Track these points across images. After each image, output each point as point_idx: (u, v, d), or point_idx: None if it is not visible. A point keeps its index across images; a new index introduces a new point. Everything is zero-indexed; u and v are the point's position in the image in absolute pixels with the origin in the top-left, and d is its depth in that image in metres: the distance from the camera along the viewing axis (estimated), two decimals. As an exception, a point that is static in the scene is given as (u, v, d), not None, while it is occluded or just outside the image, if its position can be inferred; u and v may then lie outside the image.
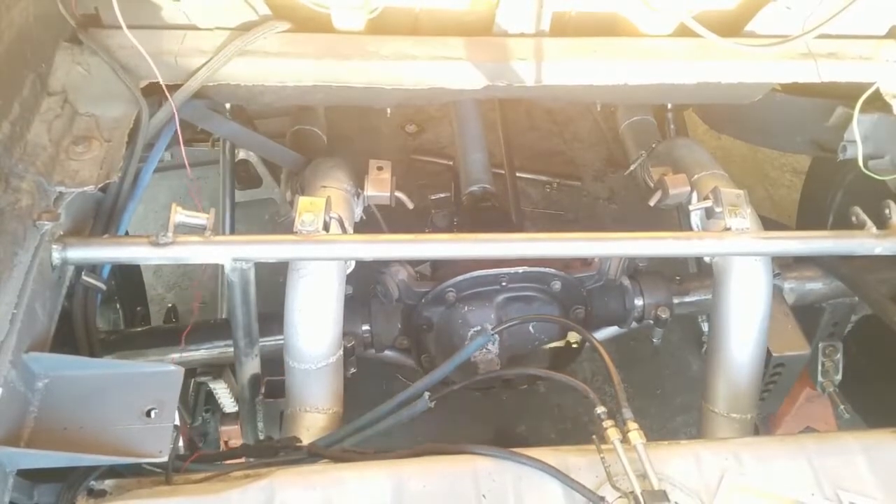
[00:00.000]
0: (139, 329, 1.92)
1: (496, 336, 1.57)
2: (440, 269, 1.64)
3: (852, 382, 1.87)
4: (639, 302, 1.62)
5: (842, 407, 1.85)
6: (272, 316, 1.41)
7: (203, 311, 2.76)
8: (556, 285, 1.57)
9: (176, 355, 1.54)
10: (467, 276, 1.54)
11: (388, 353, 1.66)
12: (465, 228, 1.83)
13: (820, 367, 1.83)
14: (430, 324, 1.60)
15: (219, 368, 1.68)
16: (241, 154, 2.58)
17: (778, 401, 1.73)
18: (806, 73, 1.47)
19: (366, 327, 1.57)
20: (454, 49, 1.42)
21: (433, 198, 1.94)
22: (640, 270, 1.65)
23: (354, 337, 1.54)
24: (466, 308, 1.58)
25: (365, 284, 1.60)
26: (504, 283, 1.56)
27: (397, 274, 1.58)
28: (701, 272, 1.72)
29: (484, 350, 1.59)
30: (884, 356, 1.86)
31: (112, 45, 1.32)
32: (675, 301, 1.63)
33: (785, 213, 2.90)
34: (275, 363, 1.42)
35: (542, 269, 1.55)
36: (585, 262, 1.64)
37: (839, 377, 1.84)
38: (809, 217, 2.30)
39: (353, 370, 1.54)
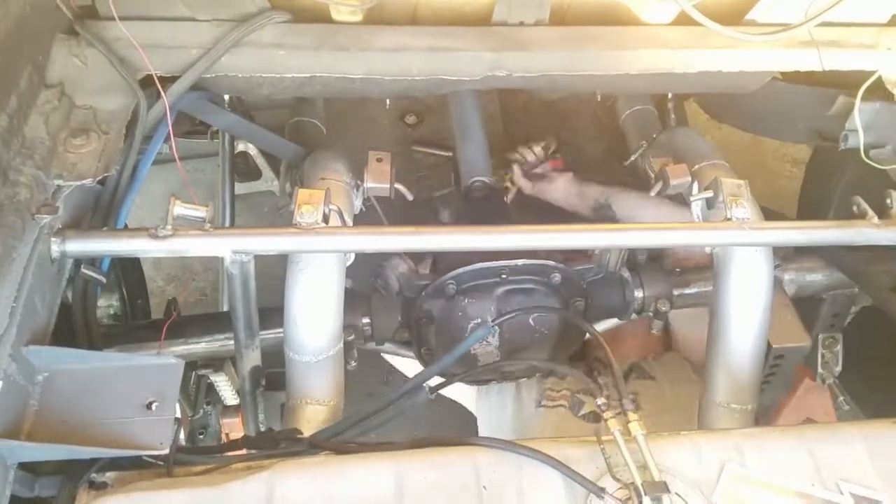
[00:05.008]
0: (139, 322, 1.93)
1: (496, 328, 1.57)
2: (440, 261, 1.63)
3: (852, 373, 1.87)
4: (639, 294, 1.61)
5: (841, 398, 1.85)
6: (272, 309, 1.41)
7: (203, 303, 2.76)
8: (556, 278, 1.57)
9: (177, 348, 1.54)
10: (467, 268, 1.54)
11: (388, 345, 1.66)
12: (465, 221, 1.82)
13: (820, 359, 1.83)
14: (431, 316, 1.59)
15: (219, 361, 1.68)
16: (240, 146, 2.57)
17: (777, 392, 1.73)
18: (808, 62, 1.46)
19: (366, 320, 1.57)
20: (453, 39, 1.41)
21: (437, 195, 1.95)
22: (640, 263, 1.64)
23: (355, 330, 1.54)
24: (466, 300, 1.57)
25: (365, 277, 1.60)
26: (504, 276, 1.56)
27: (397, 267, 1.58)
28: (701, 264, 1.72)
29: (484, 342, 1.59)
30: (884, 347, 1.86)
31: (109, 36, 1.31)
32: (676, 293, 1.63)
33: (786, 204, 2.89)
34: (275, 356, 1.42)
35: (541, 262, 1.55)
36: (585, 255, 1.64)
37: (839, 368, 1.84)
38: (810, 207, 2.29)
39: (353, 363, 1.54)
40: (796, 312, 1.63)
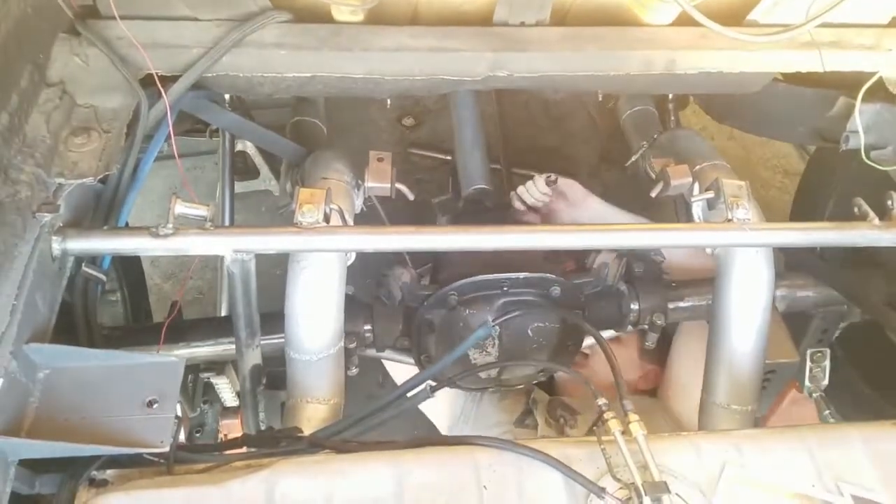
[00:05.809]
0: (141, 325, 1.92)
1: (497, 329, 1.56)
2: (441, 272, 1.63)
3: (838, 388, 1.87)
4: (635, 306, 1.61)
5: (827, 411, 1.85)
6: (273, 314, 1.41)
7: (200, 302, 2.76)
8: (556, 290, 1.57)
9: (179, 352, 1.53)
10: (469, 280, 1.54)
11: (388, 352, 1.66)
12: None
13: (808, 373, 1.82)
14: (432, 326, 1.59)
15: (220, 365, 1.68)
16: (238, 145, 2.57)
17: (766, 406, 1.74)
18: (809, 63, 1.46)
19: (367, 327, 1.57)
20: (454, 39, 1.41)
21: (436, 201, 1.95)
22: (637, 275, 1.64)
23: (356, 337, 1.54)
24: (468, 311, 1.57)
25: (367, 285, 1.60)
26: (505, 288, 1.55)
27: (400, 277, 1.59)
28: (696, 278, 1.71)
29: (483, 352, 1.59)
30: (870, 363, 1.87)
31: (110, 35, 1.31)
32: (671, 307, 1.62)
33: (776, 216, 2.89)
34: (276, 361, 1.42)
35: (542, 275, 1.55)
36: (584, 268, 1.64)
37: (826, 382, 1.84)
38: (805, 210, 2.30)
39: (355, 369, 1.54)
40: (787, 329, 1.64)
